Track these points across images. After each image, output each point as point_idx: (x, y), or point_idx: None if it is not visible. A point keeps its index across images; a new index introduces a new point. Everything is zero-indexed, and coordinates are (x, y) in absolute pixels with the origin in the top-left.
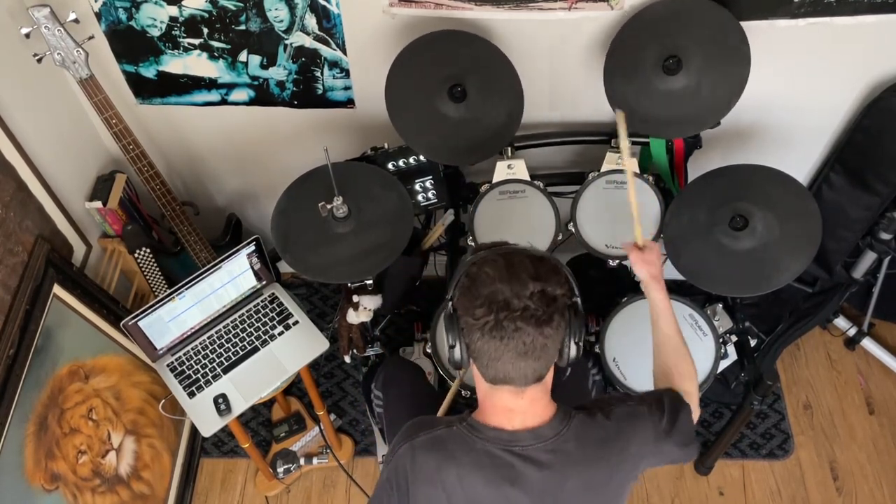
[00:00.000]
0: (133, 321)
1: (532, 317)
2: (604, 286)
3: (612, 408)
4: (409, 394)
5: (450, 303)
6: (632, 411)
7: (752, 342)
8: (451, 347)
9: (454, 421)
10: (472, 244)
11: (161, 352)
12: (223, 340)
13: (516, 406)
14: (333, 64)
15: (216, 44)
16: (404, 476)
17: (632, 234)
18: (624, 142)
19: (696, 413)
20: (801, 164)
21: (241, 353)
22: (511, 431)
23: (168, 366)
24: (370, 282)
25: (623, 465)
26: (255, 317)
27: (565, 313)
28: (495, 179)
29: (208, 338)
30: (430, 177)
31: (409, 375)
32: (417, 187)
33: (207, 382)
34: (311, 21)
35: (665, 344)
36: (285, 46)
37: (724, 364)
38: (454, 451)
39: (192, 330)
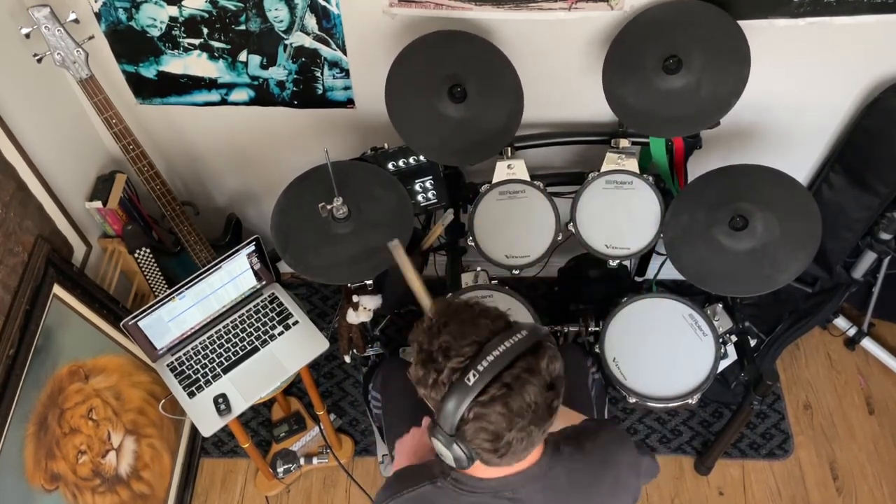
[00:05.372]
0: (133, 321)
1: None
2: (604, 286)
3: (598, 433)
4: (407, 395)
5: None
6: (619, 436)
7: (752, 342)
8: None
9: (437, 476)
10: (471, 244)
11: (161, 352)
12: (223, 340)
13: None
14: (333, 64)
15: (216, 44)
16: None
17: (633, 234)
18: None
19: None
20: (801, 164)
21: (241, 353)
22: (499, 478)
23: (168, 366)
24: (370, 282)
25: (616, 490)
26: (255, 317)
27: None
28: (495, 179)
29: (208, 338)
30: (430, 177)
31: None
32: (417, 187)
33: (207, 382)
34: (310, 21)
35: None
36: (285, 46)
37: (724, 364)
38: None
39: (192, 330)
